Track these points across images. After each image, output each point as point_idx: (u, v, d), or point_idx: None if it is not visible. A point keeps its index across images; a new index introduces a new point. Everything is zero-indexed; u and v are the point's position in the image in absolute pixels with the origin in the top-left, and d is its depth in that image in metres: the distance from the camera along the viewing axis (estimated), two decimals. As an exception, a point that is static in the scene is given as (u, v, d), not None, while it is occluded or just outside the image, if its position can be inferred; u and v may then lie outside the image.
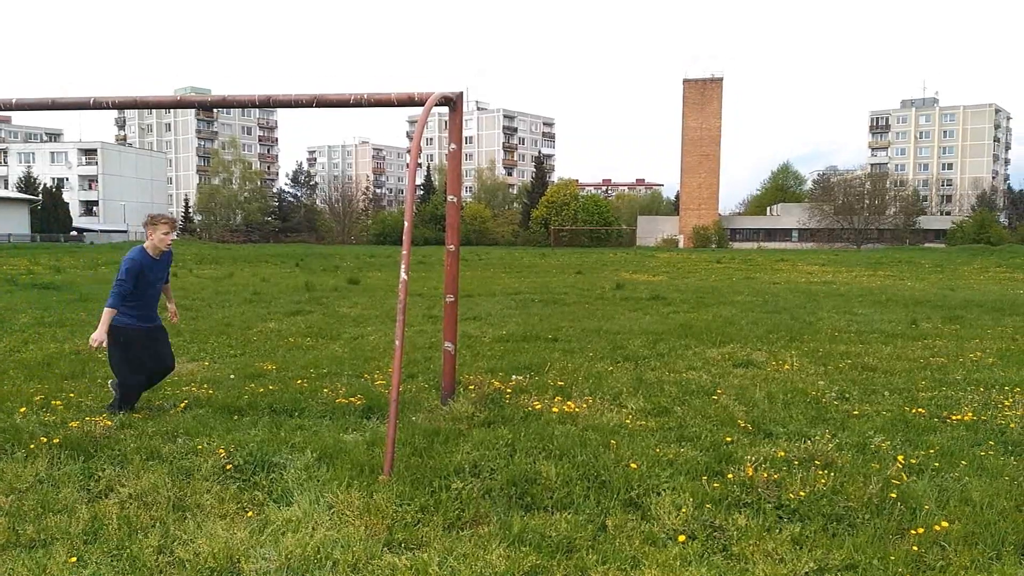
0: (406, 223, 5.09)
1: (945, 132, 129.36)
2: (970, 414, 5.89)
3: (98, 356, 8.29)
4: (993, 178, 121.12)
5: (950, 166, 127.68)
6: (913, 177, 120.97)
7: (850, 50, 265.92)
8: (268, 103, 6.19)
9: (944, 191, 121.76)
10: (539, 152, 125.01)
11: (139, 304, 5.79)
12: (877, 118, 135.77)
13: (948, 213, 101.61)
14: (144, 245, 5.85)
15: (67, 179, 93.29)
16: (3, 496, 4.03)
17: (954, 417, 5.82)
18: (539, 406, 5.96)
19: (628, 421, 5.62)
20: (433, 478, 4.24)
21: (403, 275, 4.92)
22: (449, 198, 6.23)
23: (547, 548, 3.48)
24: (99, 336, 5.56)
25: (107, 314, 5.64)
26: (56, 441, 4.78)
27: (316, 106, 6.02)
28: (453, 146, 6.21)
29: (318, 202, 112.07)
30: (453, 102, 5.90)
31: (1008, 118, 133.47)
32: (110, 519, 3.72)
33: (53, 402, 5.99)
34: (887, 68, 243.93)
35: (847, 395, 6.62)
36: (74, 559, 3.33)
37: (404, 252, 4.96)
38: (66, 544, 3.47)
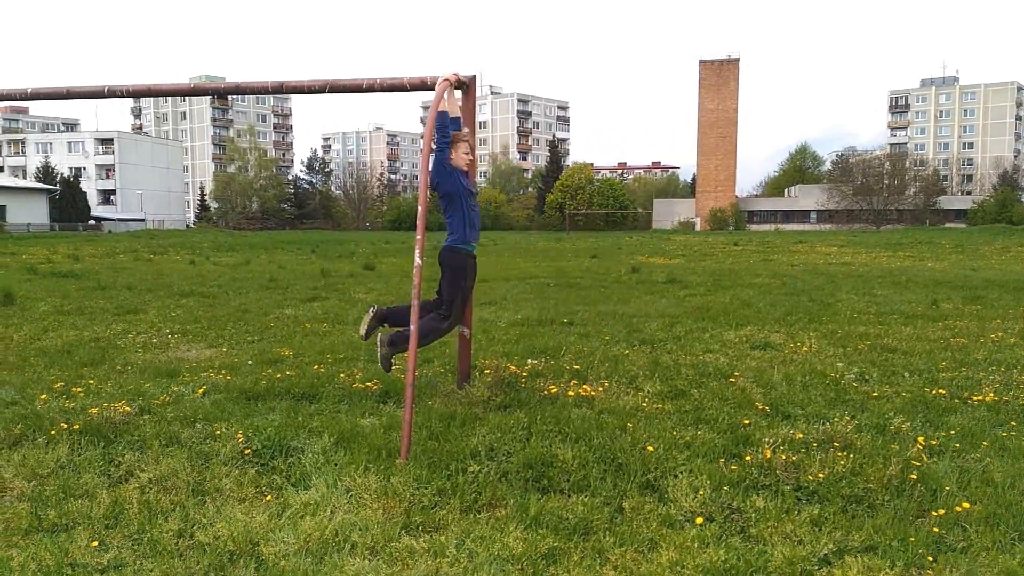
0: (420, 208, 5.08)
1: (965, 111, 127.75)
2: (991, 394, 5.83)
3: (117, 343, 8.38)
4: (1015, 157, 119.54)
5: (971, 145, 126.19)
6: (933, 157, 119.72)
7: (868, 29, 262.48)
8: (281, 89, 6.17)
9: (965, 171, 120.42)
10: (554, 136, 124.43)
11: (467, 223, 5.54)
12: (896, 97, 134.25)
13: (969, 193, 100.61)
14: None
15: (84, 168, 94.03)
16: (25, 482, 4.07)
17: (975, 398, 5.75)
18: (555, 390, 5.95)
19: (645, 404, 5.61)
20: (450, 461, 4.25)
21: (417, 260, 4.92)
22: (463, 182, 6.19)
23: (564, 530, 3.48)
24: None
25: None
26: (77, 427, 4.82)
27: (329, 91, 6.00)
28: (466, 130, 6.18)
29: (333, 189, 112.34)
30: (466, 86, 5.86)
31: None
32: (130, 504, 3.75)
33: (73, 389, 6.05)
34: (906, 47, 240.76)
35: (866, 376, 6.57)
36: (96, 543, 3.36)
37: (418, 237, 4.95)
38: (88, 528, 3.51)
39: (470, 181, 5.75)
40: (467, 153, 5.61)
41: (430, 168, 5.44)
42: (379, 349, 5.65)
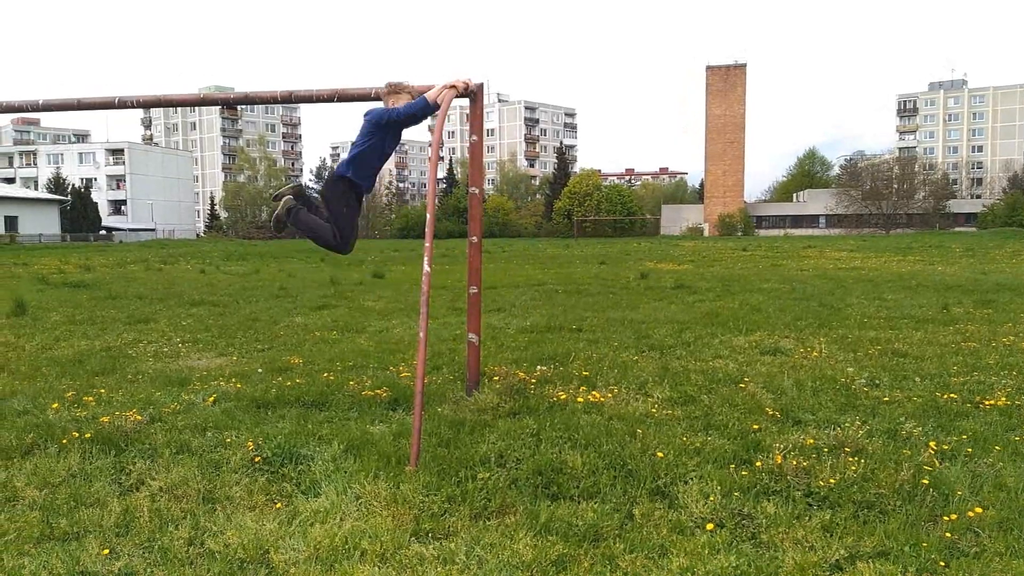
0: (428, 216, 5.10)
1: (975, 114, 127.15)
2: (1003, 399, 5.79)
3: (128, 353, 8.42)
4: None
5: (980, 148, 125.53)
6: (942, 160, 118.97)
7: (876, 33, 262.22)
8: (290, 99, 6.22)
9: (974, 174, 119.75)
10: (561, 143, 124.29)
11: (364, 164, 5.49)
12: (905, 101, 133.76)
13: (979, 196, 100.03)
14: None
15: (95, 179, 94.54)
16: (37, 490, 4.09)
17: (987, 402, 5.72)
18: (564, 396, 5.95)
19: (654, 410, 5.59)
20: (459, 468, 4.25)
21: (426, 267, 4.93)
22: (471, 190, 6.22)
23: (574, 537, 3.47)
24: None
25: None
26: (88, 436, 4.85)
27: (337, 100, 6.04)
28: (474, 137, 6.20)
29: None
30: (473, 93, 5.88)
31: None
32: (141, 512, 3.77)
33: (84, 398, 6.08)
34: (914, 50, 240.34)
35: (877, 381, 6.54)
36: (106, 551, 3.38)
37: (427, 245, 4.97)
38: (98, 537, 3.52)
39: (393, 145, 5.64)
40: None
41: (379, 109, 5.38)
42: (280, 207, 5.56)
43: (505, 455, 4.49)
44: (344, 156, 5.56)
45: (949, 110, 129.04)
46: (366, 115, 5.52)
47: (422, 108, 5.34)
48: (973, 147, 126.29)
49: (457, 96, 5.55)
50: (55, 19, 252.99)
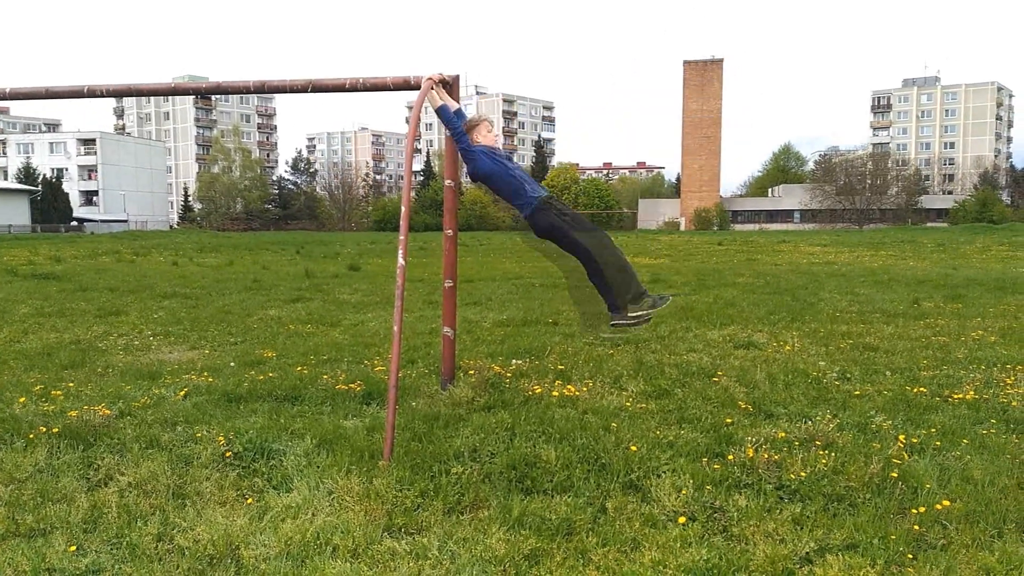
0: (403, 208, 5.07)
1: (947, 111, 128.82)
2: (972, 393, 5.87)
3: (98, 346, 8.30)
4: (995, 156, 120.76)
5: (952, 145, 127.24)
6: (915, 156, 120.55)
7: (851, 30, 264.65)
8: (263, 89, 6.13)
9: (946, 170, 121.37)
10: (539, 136, 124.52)
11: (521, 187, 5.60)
12: (879, 98, 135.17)
13: (950, 192, 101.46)
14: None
15: (66, 169, 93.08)
16: (3, 486, 4.03)
17: (956, 396, 5.80)
18: (539, 390, 5.95)
19: (628, 404, 5.61)
20: (433, 463, 4.24)
21: (400, 260, 4.90)
22: (446, 183, 6.20)
23: (547, 531, 3.48)
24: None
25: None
26: (55, 431, 4.78)
27: (312, 91, 5.96)
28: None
29: (318, 189, 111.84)
30: (449, 85, 5.85)
31: (1010, 96, 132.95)
32: (109, 507, 3.71)
33: (52, 392, 5.99)
34: (888, 47, 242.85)
35: (848, 375, 6.61)
36: (74, 548, 3.33)
37: (401, 237, 4.94)
38: (66, 533, 3.47)
39: (501, 152, 5.65)
40: (490, 132, 5.54)
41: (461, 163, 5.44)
42: (642, 315, 5.45)
43: (479, 449, 4.48)
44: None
45: (922, 107, 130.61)
46: (473, 179, 5.60)
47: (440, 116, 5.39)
48: (945, 143, 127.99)
49: (436, 86, 5.51)
50: (25, 4, 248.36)
